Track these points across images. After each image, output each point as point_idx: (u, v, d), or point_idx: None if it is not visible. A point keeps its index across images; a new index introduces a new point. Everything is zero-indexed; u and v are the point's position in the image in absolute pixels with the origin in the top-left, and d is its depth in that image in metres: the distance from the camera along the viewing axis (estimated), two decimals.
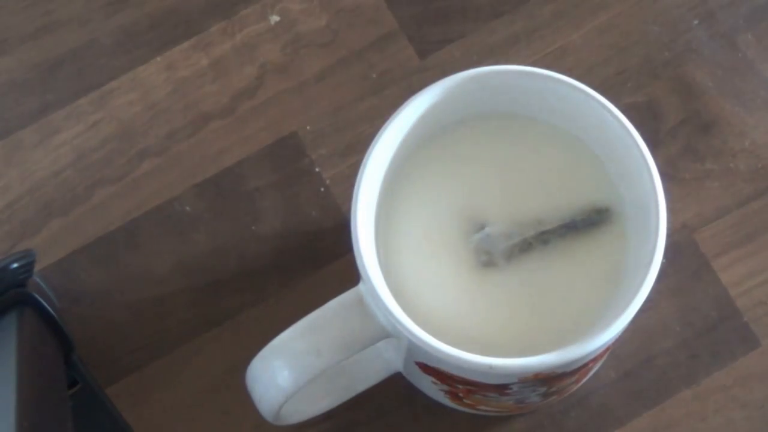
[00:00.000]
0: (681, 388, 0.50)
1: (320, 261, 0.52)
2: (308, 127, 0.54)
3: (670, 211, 0.43)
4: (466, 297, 0.44)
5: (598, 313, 0.43)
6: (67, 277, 0.53)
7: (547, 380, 0.44)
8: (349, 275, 0.44)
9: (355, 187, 0.43)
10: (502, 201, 0.45)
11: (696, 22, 0.55)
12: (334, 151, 0.54)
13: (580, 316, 0.44)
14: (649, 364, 0.51)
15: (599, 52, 0.55)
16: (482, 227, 0.45)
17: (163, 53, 0.56)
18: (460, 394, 0.46)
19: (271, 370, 0.43)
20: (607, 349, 0.47)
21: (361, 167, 0.44)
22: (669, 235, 0.42)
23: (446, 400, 0.49)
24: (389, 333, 0.43)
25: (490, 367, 0.41)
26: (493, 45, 0.55)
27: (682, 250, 0.52)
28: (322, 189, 0.53)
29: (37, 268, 0.48)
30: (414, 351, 0.43)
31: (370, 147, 0.44)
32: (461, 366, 0.41)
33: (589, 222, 0.45)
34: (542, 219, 0.45)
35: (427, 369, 0.45)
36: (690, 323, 0.51)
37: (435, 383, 0.46)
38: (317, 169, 0.54)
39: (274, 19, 0.56)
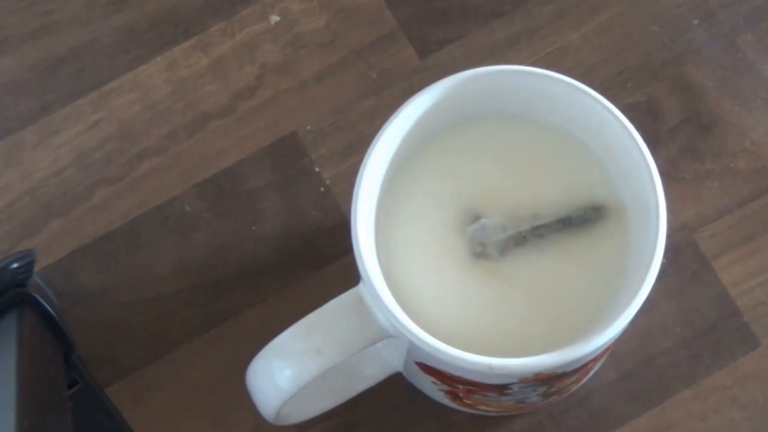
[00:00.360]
0: (681, 388, 0.50)
1: (320, 261, 0.52)
2: (308, 127, 0.54)
3: (670, 211, 0.43)
4: (461, 289, 0.44)
5: (598, 313, 0.43)
6: (67, 277, 0.53)
7: (547, 380, 0.44)
8: (349, 275, 0.44)
9: (355, 187, 0.43)
10: (499, 195, 0.45)
11: (696, 22, 0.55)
12: (334, 151, 0.54)
13: (579, 316, 0.44)
14: (649, 364, 0.51)
15: (599, 52, 0.55)
16: (478, 218, 0.45)
17: (163, 53, 0.56)
18: (460, 394, 0.46)
19: (271, 370, 0.43)
20: (607, 349, 0.47)
21: (361, 167, 0.44)
22: (669, 235, 0.42)
23: (446, 400, 0.49)
24: (389, 333, 0.43)
25: (490, 367, 0.41)
26: (493, 45, 0.55)
27: (682, 250, 0.52)
28: (322, 189, 0.53)
29: (37, 268, 0.48)
30: (414, 351, 0.43)
31: (370, 147, 0.44)
32: (461, 366, 0.41)
33: (585, 218, 0.45)
34: (538, 213, 0.45)
35: (427, 369, 0.45)
36: (690, 323, 0.51)
37: (435, 383, 0.46)
38: (317, 169, 0.54)
39: (274, 19, 0.56)
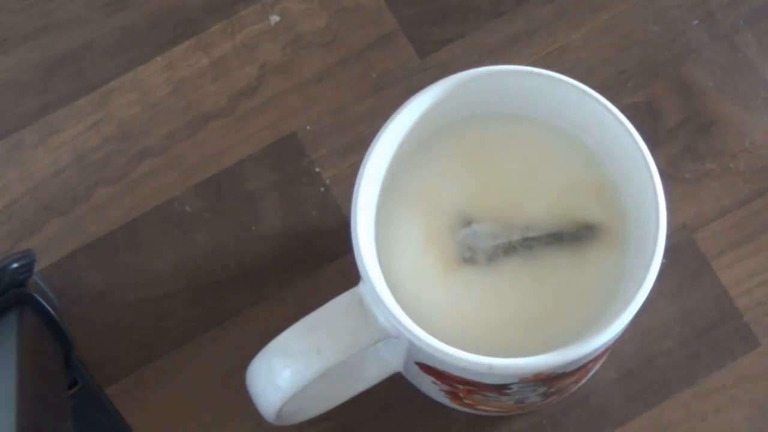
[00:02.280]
0: (681, 388, 0.50)
1: (320, 261, 0.52)
2: (308, 127, 0.54)
3: (670, 211, 0.43)
4: (455, 291, 0.44)
5: (598, 313, 0.43)
6: (67, 277, 0.53)
7: (547, 380, 0.44)
8: (349, 275, 0.44)
9: (355, 187, 0.43)
10: (494, 201, 0.45)
11: (696, 22, 0.55)
12: (334, 151, 0.54)
13: (578, 316, 0.44)
14: (649, 364, 0.51)
15: (599, 52, 0.55)
16: (470, 223, 0.45)
17: (163, 53, 0.56)
18: (460, 394, 0.46)
19: (271, 370, 0.43)
20: (607, 349, 0.47)
21: (361, 167, 0.44)
22: (669, 235, 0.42)
23: (446, 400, 0.49)
24: (389, 333, 0.43)
25: (490, 367, 0.41)
26: (493, 45, 0.55)
27: (682, 250, 0.52)
28: (322, 189, 0.53)
29: (37, 268, 0.48)
30: (414, 351, 0.43)
31: (370, 147, 0.44)
32: (461, 366, 0.41)
33: (576, 236, 0.45)
34: (530, 225, 0.45)
35: (427, 369, 0.45)
36: (690, 323, 0.51)
37: (435, 383, 0.46)
38: (317, 169, 0.54)
39: (274, 19, 0.56)
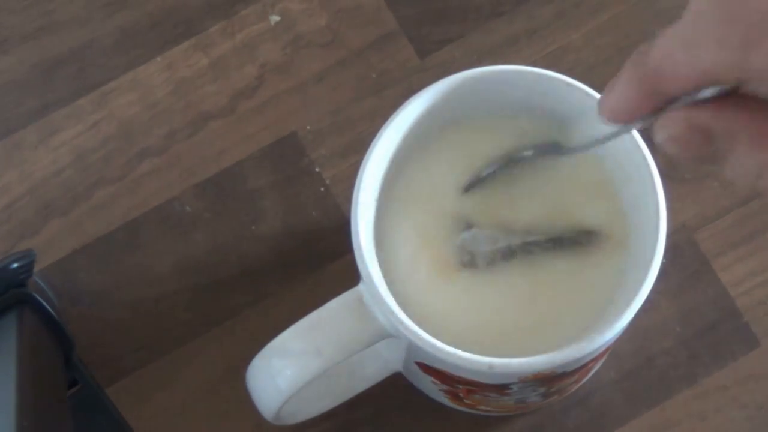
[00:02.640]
0: (681, 388, 0.50)
1: (320, 261, 0.52)
2: (308, 127, 0.54)
3: (670, 211, 0.43)
4: (455, 294, 0.44)
5: (598, 313, 0.43)
6: (67, 277, 0.53)
7: (547, 380, 0.44)
8: (349, 275, 0.44)
9: (355, 187, 0.43)
10: (494, 205, 0.45)
11: None
12: (334, 151, 0.54)
13: (578, 316, 0.44)
14: (649, 364, 0.51)
15: (599, 52, 0.55)
16: (470, 227, 0.45)
17: (163, 53, 0.56)
18: (460, 394, 0.46)
19: (271, 370, 0.43)
20: (607, 349, 0.47)
21: (361, 167, 0.44)
22: (669, 235, 0.42)
23: (446, 400, 0.49)
24: (389, 333, 0.43)
25: (490, 366, 0.41)
26: (493, 45, 0.55)
27: (682, 250, 0.52)
28: (322, 189, 0.53)
29: (37, 268, 0.48)
30: (414, 351, 0.43)
31: (370, 147, 0.44)
32: (461, 366, 0.41)
33: (576, 242, 0.44)
34: (530, 229, 0.45)
35: (427, 369, 0.45)
36: (690, 323, 0.51)
37: (435, 383, 0.46)
38: (317, 169, 0.54)
39: (274, 19, 0.56)
